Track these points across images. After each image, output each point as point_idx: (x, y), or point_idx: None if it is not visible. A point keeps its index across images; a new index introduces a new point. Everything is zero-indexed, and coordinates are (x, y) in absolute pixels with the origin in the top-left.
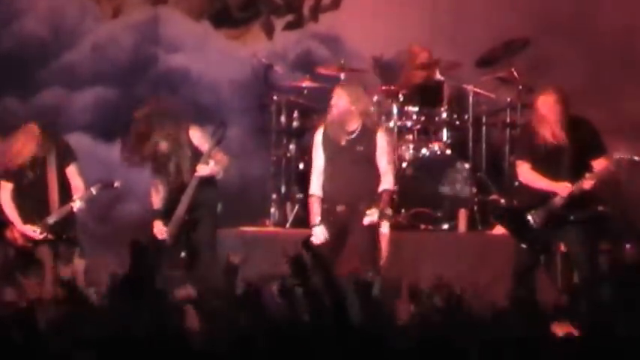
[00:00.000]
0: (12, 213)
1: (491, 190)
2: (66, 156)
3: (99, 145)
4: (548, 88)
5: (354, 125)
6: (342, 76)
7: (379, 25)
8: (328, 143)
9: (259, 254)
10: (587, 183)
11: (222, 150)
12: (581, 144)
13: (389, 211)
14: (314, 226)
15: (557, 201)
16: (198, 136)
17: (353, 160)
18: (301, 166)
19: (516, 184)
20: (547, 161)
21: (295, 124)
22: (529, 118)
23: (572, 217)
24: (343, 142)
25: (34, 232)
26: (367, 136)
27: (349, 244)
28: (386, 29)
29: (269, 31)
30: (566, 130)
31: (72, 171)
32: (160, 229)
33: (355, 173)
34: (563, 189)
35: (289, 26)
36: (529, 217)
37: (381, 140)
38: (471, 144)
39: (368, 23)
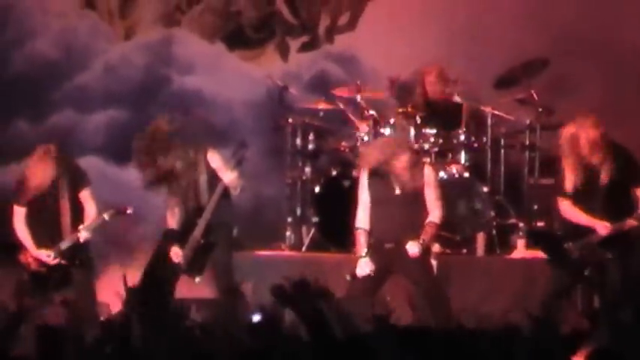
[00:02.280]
0: (25, 237)
1: (510, 213)
2: (79, 180)
3: (111, 167)
4: (582, 114)
5: (401, 163)
6: (359, 97)
7: (396, 45)
8: (374, 182)
9: (275, 278)
10: (629, 224)
11: (238, 172)
12: (621, 173)
13: (433, 244)
14: (360, 257)
15: (595, 238)
16: (216, 159)
17: (400, 199)
18: (317, 189)
19: (535, 207)
20: (587, 195)
21: (311, 146)
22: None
23: (609, 256)
24: (398, 191)
25: (48, 256)
26: (414, 172)
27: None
28: (403, 50)
29: (284, 52)
30: (605, 161)
31: (85, 196)
32: (177, 252)
33: (403, 213)
34: (602, 228)
35: (304, 47)
36: (566, 247)
37: (429, 176)
38: (489, 166)
39: (384, 44)
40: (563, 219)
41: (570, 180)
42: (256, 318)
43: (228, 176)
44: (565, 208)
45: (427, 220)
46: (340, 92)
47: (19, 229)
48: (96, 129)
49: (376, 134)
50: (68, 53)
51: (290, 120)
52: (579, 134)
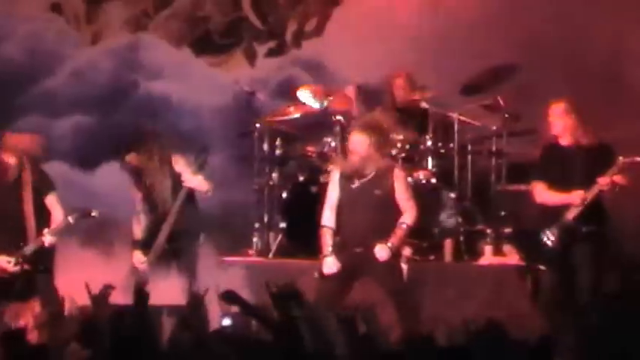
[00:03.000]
0: None
1: (478, 219)
2: (44, 185)
3: (78, 173)
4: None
5: (371, 168)
6: (326, 102)
7: (363, 51)
8: (344, 185)
9: (242, 284)
10: (603, 180)
11: (204, 176)
12: (592, 153)
13: (403, 248)
14: (325, 256)
15: (570, 213)
16: (180, 164)
17: (370, 203)
18: (284, 194)
19: (503, 213)
20: (560, 176)
21: (278, 151)
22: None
23: (584, 229)
24: (356, 184)
25: (8, 263)
26: (384, 177)
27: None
28: (370, 56)
29: (251, 58)
30: (578, 142)
31: (51, 200)
32: (139, 258)
33: (373, 217)
34: (576, 197)
35: (272, 53)
36: (543, 237)
37: (399, 178)
38: (456, 172)
39: (352, 50)
40: (538, 205)
41: (546, 164)
42: (226, 322)
43: (194, 180)
44: (539, 190)
45: (399, 222)
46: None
47: None
48: (62, 134)
49: (343, 139)
50: (34, 58)
51: (257, 125)
52: (552, 117)
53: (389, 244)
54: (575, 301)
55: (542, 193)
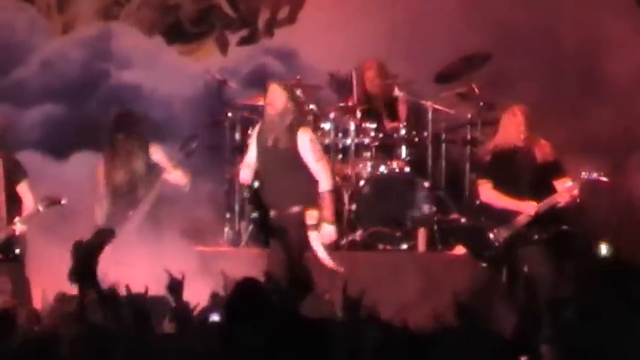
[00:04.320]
0: None
1: (451, 208)
2: (15, 173)
3: (49, 162)
4: (512, 107)
5: (286, 122)
6: (298, 92)
7: (336, 40)
8: (261, 142)
9: (213, 274)
10: (561, 196)
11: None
12: (544, 163)
13: (329, 217)
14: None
15: (521, 220)
16: (160, 154)
17: (279, 161)
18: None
19: (477, 202)
20: (510, 179)
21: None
22: (490, 136)
23: (536, 237)
24: (269, 142)
25: None
26: (292, 134)
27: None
28: (343, 44)
29: (223, 46)
30: (530, 147)
31: (23, 188)
32: None
33: (283, 175)
34: (529, 208)
35: (243, 41)
36: (491, 235)
37: (302, 138)
38: (430, 161)
39: (324, 38)
40: (484, 205)
41: (493, 163)
42: (214, 318)
43: (173, 174)
44: (485, 190)
45: (319, 194)
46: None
47: None
48: (33, 124)
49: (316, 128)
50: (5, 47)
51: (229, 114)
52: (507, 120)
53: (327, 222)
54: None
55: (489, 193)
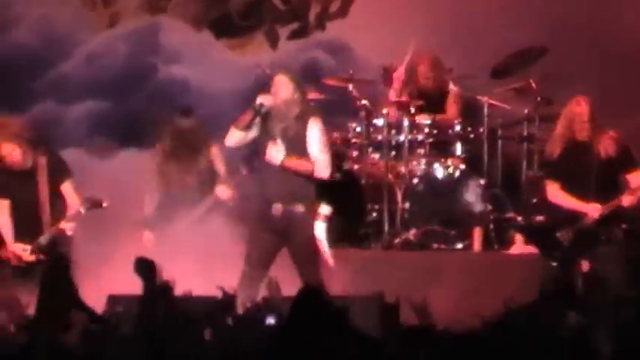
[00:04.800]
0: (7, 232)
1: (508, 207)
2: (59, 172)
3: (94, 160)
4: (576, 97)
5: (293, 113)
6: (351, 87)
7: (389, 32)
8: (265, 132)
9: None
10: (626, 200)
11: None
12: (610, 157)
13: (323, 208)
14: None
15: (588, 219)
16: (219, 157)
17: (287, 149)
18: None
19: (535, 200)
20: (576, 177)
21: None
22: (548, 132)
23: (603, 237)
24: (277, 132)
25: (24, 251)
26: (302, 124)
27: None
28: (396, 37)
29: (273, 40)
30: (595, 142)
31: (67, 188)
32: (150, 239)
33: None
34: (593, 210)
35: (294, 35)
36: (559, 235)
37: (311, 128)
38: (486, 158)
39: (377, 31)
40: (552, 205)
41: (560, 162)
42: (270, 321)
43: (223, 190)
44: (553, 190)
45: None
46: (331, 82)
47: (1, 222)
48: (77, 120)
49: (369, 124)
50: (49, 42)
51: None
52: (571, 112)
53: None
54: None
55: (556, 194)
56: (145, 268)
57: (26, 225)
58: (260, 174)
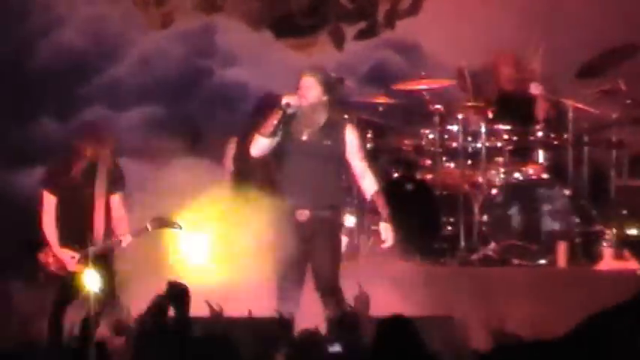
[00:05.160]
0: (51, 232)
1: (595, 219)
2: (116, 182)
3: (147, 171)
4: None
5: (321, 118)
6: (423, 90)
7: (465, 32)
8: (289, 136)
9: None
10: None
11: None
12: None
13: (387, 216)
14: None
15: None
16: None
17: (318, 156)
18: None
19: (625, 212)
20: None
21: (369, 145)
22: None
23: None
24: (305, 136)
25: (72, 258)
26: (335, 129)
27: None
28: (472, 37)
29: (338, 41)
30: None
31: (116, 201)
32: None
33: (321, 172)
34: None
35: (362, 34)
36: None
37: (350, 135)
38: (571, 166)
39: (451, 30)
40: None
41: None
42: (334, 349)
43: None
44: None
45: (368, 195)
46: (402, 85)
47: (46, 221)
48: (130, 128)
49: (442, 131)
50: (98, 44)
51: (345, 116)
52: None
53: (384, 219)
54: None
55: None
56: (177, 293)
57: (75, 229)
58: (284, 179)
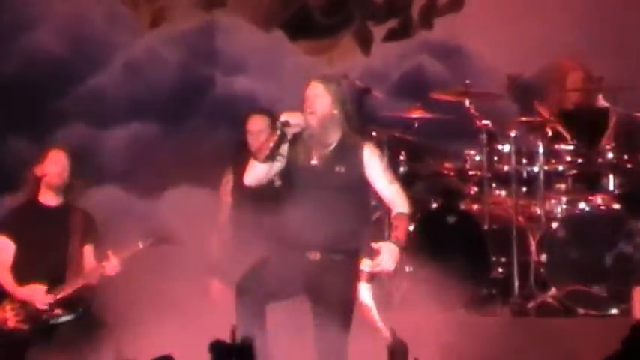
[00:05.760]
0: (5, 278)
1: None
2: (88, 230)
3: (135, 200)
4: None
5: (333, 137)
6: (467, 102)
7: (517, 32)
8: (296, 159)
9: None
10: None
11: None
12: None
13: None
14: None
15: None
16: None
17: (331, 186)
18: (411, 226)
19: None
20: None
21: (402, 168)
22: None
23: None
24: (314, 161)
25: (40, 295)
26: (350, 151)
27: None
28: (527, 38)
29: (365, 43)
30: None
31: (88, 252)
32: (219, 289)
33: (334, 205)
34: None
35: (392, 35)
36: None
37: (370, 157)
38: None
39: (501, 30)
40: None
41: None
42: None
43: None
44: None
45: (394, 212)
46: (442, 95)
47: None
48: (115, 149)
49: (491, 152)
50: (78, 47)
51: (374, 134)
52: None
53: (394, 240)
54: None
55: None
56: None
57: (44, 268)
58: (291, 214)
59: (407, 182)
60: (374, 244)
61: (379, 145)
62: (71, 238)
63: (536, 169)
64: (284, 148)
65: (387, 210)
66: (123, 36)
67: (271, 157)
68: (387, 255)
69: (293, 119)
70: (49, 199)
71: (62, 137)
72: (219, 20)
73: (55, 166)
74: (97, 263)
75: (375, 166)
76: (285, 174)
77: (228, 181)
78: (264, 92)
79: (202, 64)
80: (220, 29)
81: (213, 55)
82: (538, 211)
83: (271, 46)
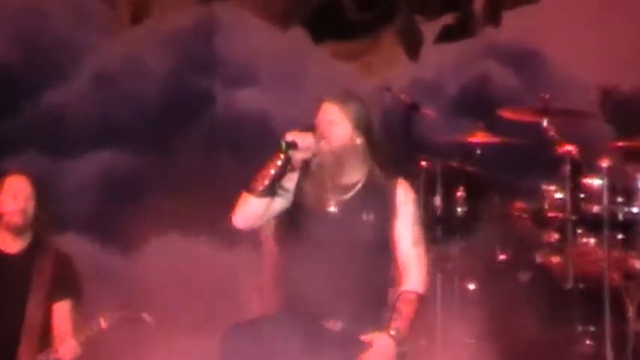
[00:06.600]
0: None
1: None
2: (63, 283)
3: (106, 254)
4: None
5: (355, 175)
6: (545, 122)
7: (611, 33)
8: (310, 204)
9: None
10: None
11: None
12: None
13: (401, 330)
14: None
15: None
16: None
17: (356, 240)
18: (471, 286)
19: None
20: None
21: (460, 209)
22: None
23: None
24: (333, 207)
25: None
26: (380, 193)
27: None
28: (624, 41)
29: (412, 45)
30: None
31: (63, 309)
32: None
33: (358, 264)
34: None
35: (449, 35)
36: None
37: (405, 201)
38: None
39: (590, 30)
40: None
41: None
42: None
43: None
44: None
45: (400, 291)
46: (512, 114)
47: None
48: (81, 184)
49: (577, 187)
50: (31, 53)
51: (424, 163)
52: None
53: (392, 332)
54: None
55: None
56: None
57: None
58: (302, 276)
59: (466, 226)
60: (364, 336)
61: (431, 177)
62: (32, 292)
63: (635, 209)
64: (289, 180)
65: (393, 282)
66: (92, 36)
67: (271, 190)
68: (377, 352)
69: (302, 140)
70: (8, 244)
71: (13, 166)
72: (220, 15)
73: (13, 199)
74: (69, 328)
75: (405, 215)
76: (294, 219)
77: (269, 221)
78: (279, 110)
79: (197, 74)
80: (221, 26)
81: (211, 60)
82: (637, 265)
83: (289, 49)
